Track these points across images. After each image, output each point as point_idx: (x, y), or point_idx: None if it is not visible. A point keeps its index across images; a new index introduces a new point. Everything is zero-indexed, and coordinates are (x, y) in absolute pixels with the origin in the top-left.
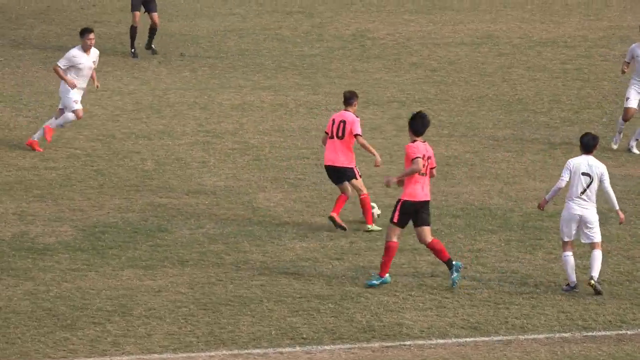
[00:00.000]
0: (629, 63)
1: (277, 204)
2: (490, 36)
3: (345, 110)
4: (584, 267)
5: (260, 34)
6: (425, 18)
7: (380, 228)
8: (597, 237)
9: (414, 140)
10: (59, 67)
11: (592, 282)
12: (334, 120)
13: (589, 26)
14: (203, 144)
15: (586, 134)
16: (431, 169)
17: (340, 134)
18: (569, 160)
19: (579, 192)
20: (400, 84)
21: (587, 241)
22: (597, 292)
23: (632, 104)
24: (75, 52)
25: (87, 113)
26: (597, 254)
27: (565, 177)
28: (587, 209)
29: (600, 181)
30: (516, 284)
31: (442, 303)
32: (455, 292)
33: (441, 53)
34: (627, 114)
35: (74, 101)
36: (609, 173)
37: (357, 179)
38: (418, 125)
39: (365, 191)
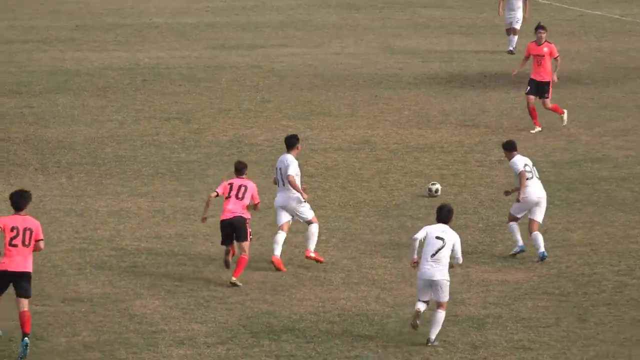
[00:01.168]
0: None
1: (153, 311)
2: (367, 142)
3: (240, 177)
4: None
5: (138, 140)
6: (302, 124)
7: (240, 284)
8: (444, 297)
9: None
10: (294, 176)
11: (429, 344)
12: (232, 184)
13: (466, 132)
14: (79, 250)
15: (442, 205)
16: (36, 241)
17: (240, 196)
18: (426, 226)
19: (431, 254)
20: None
21: (435, 299)
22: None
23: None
24: (295, 160)
25: None
26: (440, 315)
27: (420, 235)
28: (438, 271)
29: (453, 250)
30: None
31: None
32: None
33: (319, 159)
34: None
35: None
36: (485, 279)
37: (247, 240)
38: (13, 201)
39: (247, 255)
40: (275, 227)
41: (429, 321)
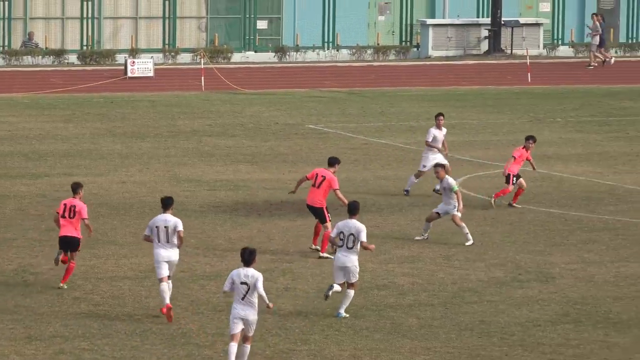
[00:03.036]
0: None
1: None
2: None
3: (73, 198)
4: None
5: None
6: (88, 252)
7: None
8: (251, 332)
9: None
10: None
11: None
12: (65, 204)
13: None
14: None
15: (245, 248)
16: None
17: (71, 215)
18: (233, 271)
19: (240, 298)
20: (64, 318)
21: (245, 333)
22: None
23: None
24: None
25: None
26: (246, 349)
27: (227, 286)
28: (248, 311)
29: (255, 287)
30: None
31: None
32: None
33: (105, 287)
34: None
35: None
36: None
37: (77, 252)
38: None
39: (74, 263)
40: None
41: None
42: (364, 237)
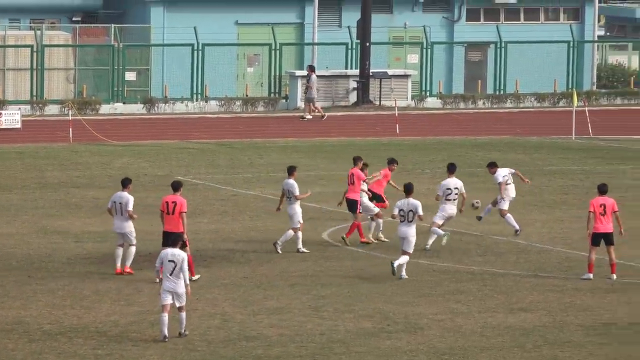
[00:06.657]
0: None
1: None
2: (20, 322)
3: (174, 195)
4: None
5: None
6: None
7: None
8: (184, 303)
9: None
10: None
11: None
12: (167, 201)
13: (120, 311)
14: None
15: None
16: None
17: (171, 211)
18: (161, 251)
19: (169, 274)
20: None
21: (178, 305)
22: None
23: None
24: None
25: None
26: (183, 316)
27: (158, 264)
28: (176, 285)
29: (182, 265)
30: None
31: None
32: None
33: None
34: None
35: None
36: None
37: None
38: None
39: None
40: None
41: None
42: (420, 211)
